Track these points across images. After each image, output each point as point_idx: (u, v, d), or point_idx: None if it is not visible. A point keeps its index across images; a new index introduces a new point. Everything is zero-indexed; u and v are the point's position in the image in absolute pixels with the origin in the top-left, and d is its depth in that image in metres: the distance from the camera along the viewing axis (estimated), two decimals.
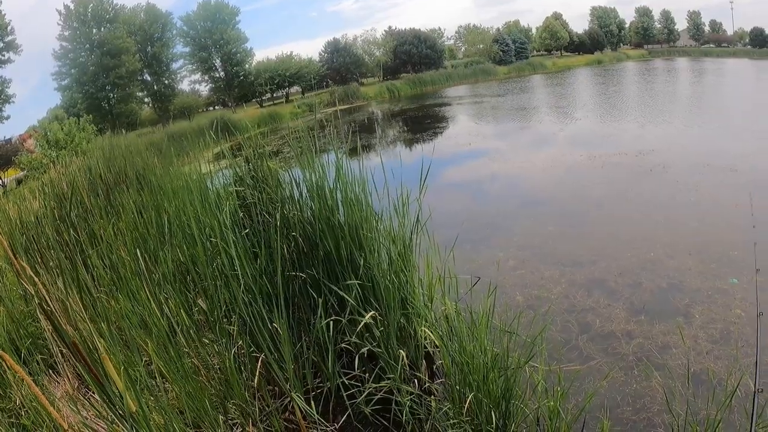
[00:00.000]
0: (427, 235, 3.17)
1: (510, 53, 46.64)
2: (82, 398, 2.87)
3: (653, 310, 4.14)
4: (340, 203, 3.02)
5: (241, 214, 3.23)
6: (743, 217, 5.71)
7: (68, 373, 3.02)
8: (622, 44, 57.44)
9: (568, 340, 3.70)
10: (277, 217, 3.02)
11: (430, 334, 2.88)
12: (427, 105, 21.84)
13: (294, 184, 3.23)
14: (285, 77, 36.65)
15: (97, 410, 2.52)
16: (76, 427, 2.52)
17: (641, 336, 3.78)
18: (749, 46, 51.34)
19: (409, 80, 37.72)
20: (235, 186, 3.58)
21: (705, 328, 3.78)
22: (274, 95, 38.61)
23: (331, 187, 3.03)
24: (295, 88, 39.33)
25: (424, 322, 2.90)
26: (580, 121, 14.53)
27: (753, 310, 3.91)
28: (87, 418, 2.72)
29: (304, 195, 3.19)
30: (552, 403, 2.49)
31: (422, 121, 18.96)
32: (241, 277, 2.70)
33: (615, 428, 2.78)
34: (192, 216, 2.92)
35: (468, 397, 2.40)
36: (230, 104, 35.81)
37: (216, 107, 37.02)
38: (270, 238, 2.87)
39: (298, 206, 3.16)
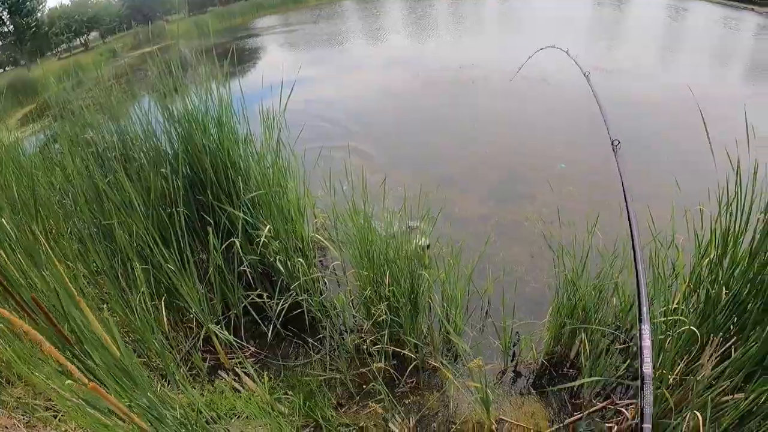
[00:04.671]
0: (291, 153, 3.29)
1: None
2: None
3: (500, 196, 4.76)
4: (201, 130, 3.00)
5: (101, 161, 3.03)
6: (556, 118, 6.67)
7: None
8: None
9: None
10: (142, 156, 2.93)
11: (319, 237, 3.07)
12: (239, 38, 20.60)
13: (150, 119, 3.11)
14: (82, 23, 32.15)
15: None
16: None
17: (495, 217, 4.36)
18: None
19: (218, 14, 35.03)
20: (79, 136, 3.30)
21: (547, 205, 4.47)
22: (72, 45, 33.75)
23: (195, 115, 2.99)
24: (94, 34, 34.69)
25: (312, 228, 3.06)
26: (397, 43, 14.80)
27: (581, 187, 4.76)
28: None
29: (167, 129, 3.09)
30: (443, 274, 2.79)
31: (237, 56, 17.59)
32: (125, 223, 2.60)
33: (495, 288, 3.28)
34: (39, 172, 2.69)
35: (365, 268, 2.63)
36: (23, 62, 30.61)
37: (7, 68, 31.39)
38: (143, 179, 2.78)
39: (161, 140, 3.07)
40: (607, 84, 7.63)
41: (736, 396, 1.85)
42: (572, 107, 6.87)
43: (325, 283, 3.12)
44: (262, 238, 2.72)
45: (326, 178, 3.16)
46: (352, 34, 17.66)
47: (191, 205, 2.91)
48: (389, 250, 2.63)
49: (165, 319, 2.67)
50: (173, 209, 2.71)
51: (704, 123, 2.06)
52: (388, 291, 2.58)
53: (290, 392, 2.58)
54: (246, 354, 2.90)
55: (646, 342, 0.78)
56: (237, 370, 2.76)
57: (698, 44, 11.19)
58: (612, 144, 1.28)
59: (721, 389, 1.84)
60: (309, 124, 3.36)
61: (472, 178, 5.17)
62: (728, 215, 2.15)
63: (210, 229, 2.68)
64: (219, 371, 2.77)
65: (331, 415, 2.51)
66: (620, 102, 6.81)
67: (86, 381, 1.23)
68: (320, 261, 3.57)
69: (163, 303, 2.67)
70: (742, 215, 2.12)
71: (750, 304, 2.02)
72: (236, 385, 2.65)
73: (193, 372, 2.74)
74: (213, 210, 2.94)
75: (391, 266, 2.62)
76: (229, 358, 2.83)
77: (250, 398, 2.51)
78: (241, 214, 2.82)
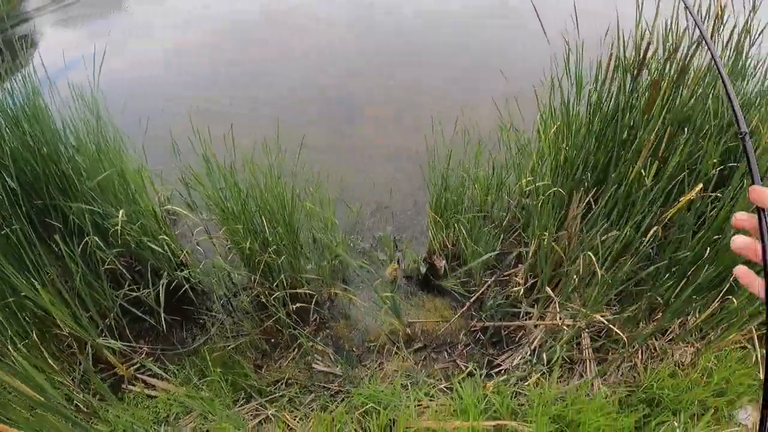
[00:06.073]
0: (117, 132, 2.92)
1: None
2: None
3: (340, 121, 4.79)
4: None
5: None
6: (371, 40, 6.68)
7: None
8: None
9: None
10: None
11: (177, 208, 2.86)
12: (12, 26, 17.59)
13: None
14: None
15: None
16: None
17: (355, 138, 4.45)
18: None
19: None
20: None
21: (387, 119, 4.60)
22: None
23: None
24: None
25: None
26: None
27: (411, 97, 4.94)
28: None
29: None
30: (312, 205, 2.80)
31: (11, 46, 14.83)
32: None
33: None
34: None
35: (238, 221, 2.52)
36: None
37: None
38: None
39: None
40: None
41: (611, 234, 2.13)
42: (384, 26, 6.99)
43: (202, 252, 2.93)
44: (119, 226, 2.41)
45: (160, 146, 2.90)
46: None
47: (28, 214, 2.49)
48: (265, 194, 2.52)
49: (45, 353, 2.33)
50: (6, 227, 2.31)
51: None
52: (270, 236, 2.49)
53: (206, 374, 2.45)
54: (142, 355, 2.67)
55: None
56: (139, 375, 2.55)
57: None
58: (738, 135, 1.27)
59: (600, 228, 2.11)
60: (124, 96, 3.00)
61: (304, 111, 5.05)
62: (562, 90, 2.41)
63: (57, 237, 2.33)
64: (122, 385, 2.52)
65: (256, 380, 2.45)
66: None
67: None
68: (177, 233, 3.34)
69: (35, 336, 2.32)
70: (576, 86, 2.39)
71: (602, 160, 2.31)
72: (147, 391, 2.45)
73: (97, 396, 2.46)
74: (58, 212, 2.56)
75: (264, 211, 2.52)
76: (127, 367, 2.58)
77: (170, 398, 2.34)
78: (84, 206, 2.48)
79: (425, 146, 2.73)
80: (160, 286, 2.56)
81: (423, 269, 2.90)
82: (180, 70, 6.55)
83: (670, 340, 2.56)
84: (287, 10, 8.03)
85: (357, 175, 3.81)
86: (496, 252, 2.63)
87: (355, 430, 2.17)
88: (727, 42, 2.55)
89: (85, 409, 2.31)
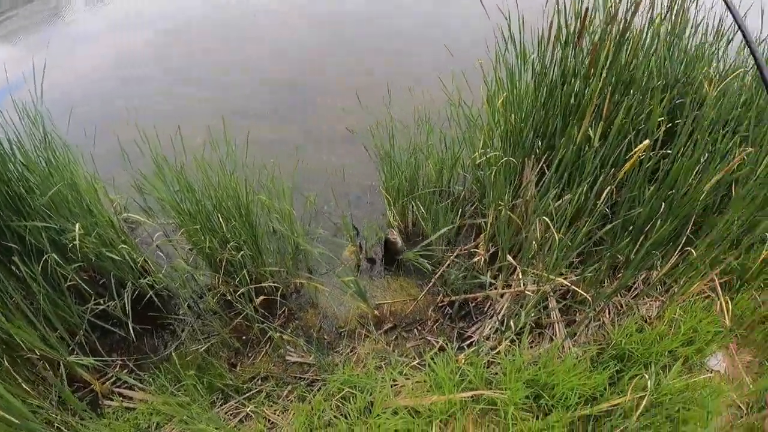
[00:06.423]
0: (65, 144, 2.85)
1: None
2: None
3: (292, 111, 4.79)
4: None
5: None
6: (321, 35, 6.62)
7: None
8: None
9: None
10: None
11: (135, 216, 2.83)
12: None
13: None
14: None
15: None
16: None
17: (307, 126, 4.46)
18: None
19: None
20: None
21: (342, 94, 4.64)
22: None
23: None
24: None
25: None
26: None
27: (372, 78, 4.93)
28: None
29: None
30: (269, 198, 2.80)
31: None
32: None
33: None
34: None
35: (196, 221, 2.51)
36: None
37: None
38: None
39: None
40: None
41: (564, 198, 2.17)
42: (332, 20, 6.98)
43: (164, 258, 2.91)
44: (77, 240, 2.37)
45: (111, 155, 2.86)
46: (74, 3, 15.20)
47: None
48: (219, 191, 2.51)
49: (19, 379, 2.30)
50: None
51: None
52: (228, 232, 2.47)
53: (181, 380, 2.43)
54: (116, 368, 2.64)
55: None
56: (116, 389, 2.52)
57: None
58: None
59: (552, 195, 2.14)
60: (69, 107, 2.95)
61: (257, 105, 5.01)
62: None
63: (16, 258, 2.29)
64: (99, 401, 2.49)
65: (232, 378, 2.45)
66: None
67: None
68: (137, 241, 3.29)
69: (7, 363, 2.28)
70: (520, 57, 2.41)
71: (551, 126, 2.34)
72: (125, 403, 2.43)
73: (77, 416, 2.42)
74: (13, 234, 2.51)
75: (220, 208, 2.51)
76: (102, 382, 2.55)
77: (149, 408, 2.33)
78: (39, 223, 2.44)
79: (377, 127, 2.75)
80: (126, 297, 2.53)
81: (381, 247, 2.93)
82: (125, 74, 6.40)
83: (636, 296, 2.61)
84: (232, 5, 7.96)
85: (310, 162, 3.79)
86: (455, 225, 2.66)
87: (334, 416, 2.18)
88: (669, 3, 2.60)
89: (66, 431, 2.28)
